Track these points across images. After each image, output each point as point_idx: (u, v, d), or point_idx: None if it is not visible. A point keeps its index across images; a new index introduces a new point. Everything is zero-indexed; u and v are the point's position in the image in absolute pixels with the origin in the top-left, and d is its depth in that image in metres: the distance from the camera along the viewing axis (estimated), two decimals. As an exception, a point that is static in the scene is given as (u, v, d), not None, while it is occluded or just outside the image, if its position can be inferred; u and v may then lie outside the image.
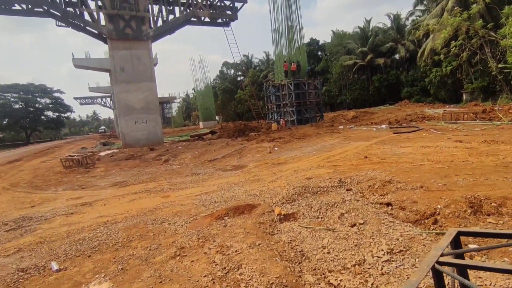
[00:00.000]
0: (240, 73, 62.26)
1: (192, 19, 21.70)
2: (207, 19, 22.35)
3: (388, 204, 4.23)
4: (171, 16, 20.39)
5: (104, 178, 10.19)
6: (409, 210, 3.88)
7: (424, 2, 38.41)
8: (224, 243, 3.50)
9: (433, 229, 3.29)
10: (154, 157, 13.82)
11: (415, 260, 2.73)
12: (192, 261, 3.21)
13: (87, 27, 18.98)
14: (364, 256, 2.92)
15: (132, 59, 18.77)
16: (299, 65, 23.98)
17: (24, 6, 17.14)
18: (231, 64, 62.43)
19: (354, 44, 46.70)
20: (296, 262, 2.99)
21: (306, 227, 3.91)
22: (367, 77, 47.20)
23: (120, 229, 4.63)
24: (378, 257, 2.85)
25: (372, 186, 5.10)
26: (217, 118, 54.18)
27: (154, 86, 19.63)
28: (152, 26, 19.57)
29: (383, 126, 15.20)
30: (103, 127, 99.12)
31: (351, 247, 3.17)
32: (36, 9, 17.58)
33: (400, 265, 2.67)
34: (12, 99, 54.34)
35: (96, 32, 19.23)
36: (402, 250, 2.91)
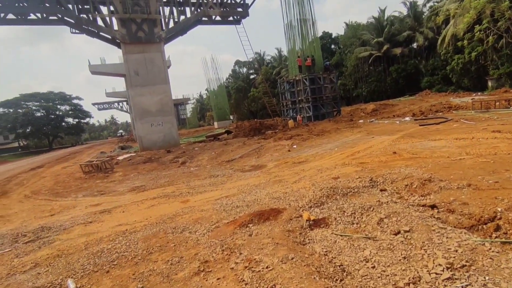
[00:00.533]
0: (252, 71, 61.86)
1: (203, 18, 21.49)
2: (218, 18, 22.09)
3: (433, 206, 3.75)
4: (182, 17, 20.23)
5: (123, 183, 10.09)
6: (460, 214, 3.40)
7: (443, -13, 36.71)
8: (252, 257, 3.15)
9: (496, 237, 2.81)
10: (171, 160, 13.68)
11: (485, 278, 2.28)
12: (218, 279, 2.88)
13: (101, 33, 19.10)
14: (418, 272, 2.49)
15: (145, 62, 18.76)
16: (314, 60, 23.34)
17: (39, 15, 17.40)
18: (243, 63, 62.17)
19: (369, 35, 45.32)
20: (337, 280, 2.60)
21: (341, 235, 3.50)
22: (383, 68, 45.74)
23: (140, 239, 4.38)
24: (436, 273, 2.41)
25: (409, 186, 4.62)
26: (231, 117, 54.06)
27: (168, 88, 19.56)
28: (164, 28, 19.48)
29: (407, 118, 14.44)
30: (120, 131, 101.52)
31: (400, 260, 2.74)
32: (50, 18, 17.81)
33: (467, 285, 2.23)
34: (34, 108, 56.28)
35: (110, 37, 19.34)
36: (465, 265, 2.46)
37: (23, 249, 4.70)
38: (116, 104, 62.61)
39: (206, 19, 21.69)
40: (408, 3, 43.89)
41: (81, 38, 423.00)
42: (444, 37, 32.54)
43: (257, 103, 55.76)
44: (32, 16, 17.44)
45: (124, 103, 61.74)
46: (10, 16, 17.00)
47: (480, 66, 32.96)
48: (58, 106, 59.58)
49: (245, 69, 62.82)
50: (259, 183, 6.89)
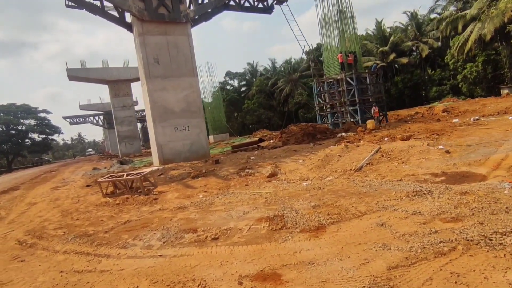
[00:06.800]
0: (244, 82, 58.31)
1: (231, 3, 17.64)
2: (247, 4, 18.35)
3: None
4: (210, -4, 16.17)
5: (210, 212, 5.52)
6: None
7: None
8: None
9: None
10: (236, 172, 9.21)
11: None
12: None
13: (107, 9, 14.49)
14: None
15: (168, 48, 14.29)
16: (356, 57, 20.18)
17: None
18: (234, 74, 58.52)
19: (372, 45, 43.81)
20: None
21: None
22: (387, 78, 44.24)
23: None
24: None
25: None
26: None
27: (196, 81, 15.11)
28: (191, 6, 15.28)
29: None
30: (90, 149, 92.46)
31: None
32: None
33: None
34: (-10, 122, 48.04)
35: (118, 15, 14.77)
36: None
37: None
38: (91, 118, 55.57)
39: (233, 4, 17.85)
40: (409, 14, 43.53)
41: (42, 54, 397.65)
42: (460, 44, 31.12)
43: (253, 116, 52.01)
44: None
45: (101, 116, 54.99)
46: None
47: (494, 75, 32.21)
48: (21, 120, 51.46)
49: (236, 81, 59.13)
50: None
